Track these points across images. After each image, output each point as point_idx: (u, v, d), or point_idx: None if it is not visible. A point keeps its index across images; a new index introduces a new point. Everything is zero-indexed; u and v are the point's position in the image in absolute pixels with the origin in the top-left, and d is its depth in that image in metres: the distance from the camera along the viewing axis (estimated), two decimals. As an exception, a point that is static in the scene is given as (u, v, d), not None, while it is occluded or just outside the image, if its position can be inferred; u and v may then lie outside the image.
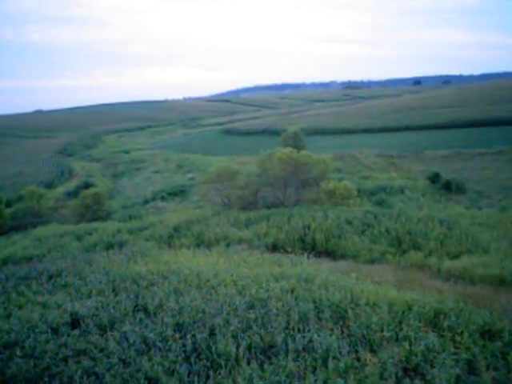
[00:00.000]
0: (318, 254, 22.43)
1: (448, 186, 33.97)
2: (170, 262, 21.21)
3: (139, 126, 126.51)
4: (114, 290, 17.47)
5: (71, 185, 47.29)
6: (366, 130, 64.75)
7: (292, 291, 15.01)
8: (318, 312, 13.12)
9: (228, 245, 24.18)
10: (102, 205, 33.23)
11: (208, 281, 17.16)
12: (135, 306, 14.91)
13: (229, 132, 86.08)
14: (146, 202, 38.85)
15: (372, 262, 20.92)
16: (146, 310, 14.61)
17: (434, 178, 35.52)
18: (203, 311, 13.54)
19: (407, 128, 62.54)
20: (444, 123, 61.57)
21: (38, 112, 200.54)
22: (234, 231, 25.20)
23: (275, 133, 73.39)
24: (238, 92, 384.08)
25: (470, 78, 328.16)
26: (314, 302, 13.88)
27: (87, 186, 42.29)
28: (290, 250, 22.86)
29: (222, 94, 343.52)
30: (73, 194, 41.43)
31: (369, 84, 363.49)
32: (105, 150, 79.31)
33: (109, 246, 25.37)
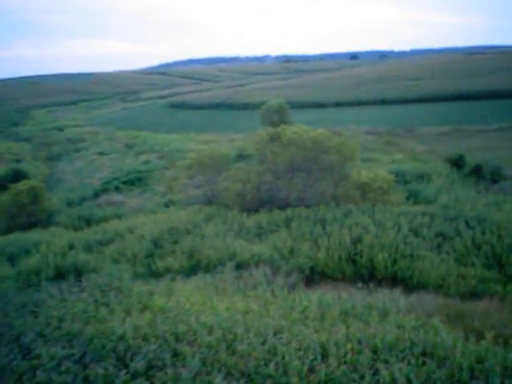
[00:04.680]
0: (378, 282, 15.35)
1: (478, 172, 27.59)
2: (167, 309, 13.51)
3: (71, 100, 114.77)
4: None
5: (-4, 173, 37.67)
6: (338, 104, 57.95)
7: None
8: None
9: (238, 268, 16.62)
10: (41, 203, 24.56)
11: (258, 364, 9.65)
12: None
13: (176, 106, 77.27)
14: (97, 194, 30.31)
15: (469, 295, 13.98)
16: None
17: (458, 162, 29.01)
18: None
19: (383, 102, 56.30)
20: (422, 97, 55.84)
21: None
22: (242, 245, 17.52)
23: (232, 107, 65.93)
24: (170, 65, 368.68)
25: (402, 53, 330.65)
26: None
27: (17, 174, 33.14)
28: (336, 276, 15.71)
29: (154, 68, 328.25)
30: (-2, 187, 32.21)
31: (305, 58, 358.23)
32: (34, 128, 68.55)
33: (59, 274, 17.14)
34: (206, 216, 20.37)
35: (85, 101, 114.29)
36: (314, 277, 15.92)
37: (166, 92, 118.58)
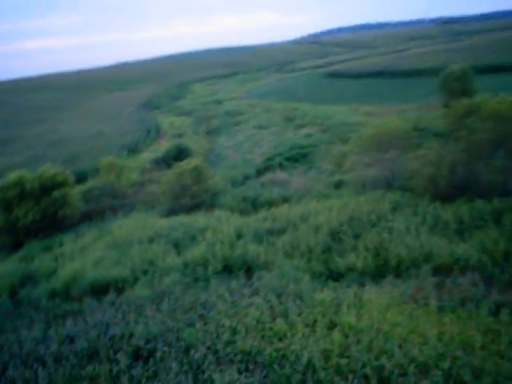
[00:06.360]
0: None
1: None
2: (359, 329, 10.97)
3: (227, 73, 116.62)
4: None
5: (160, 148, 37.75)
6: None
7: None
8: None
9: (436, 272, 13.54)
10: (204, 183, 23.30)
11: None
12: None
13: (333, 75, 73.87)
14: (259, 172, 28.56)
15: None
16: None
17: None
18: None
19: None
20: None
21: (123, 64, 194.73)
22: (440, 244, 14.38)
23: (395, 74, 60.92)
24: (321, 34, 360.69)
25: None
26: None
27: (180, 150, 32.68)
28: None
29: (305, 37, 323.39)
30: (162, 163, 31.95)
31: (466, 19, 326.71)
32: (194, 101, 69.65)
33: (227, 266, 15.45)
34: (391, 205, 17.37)
35: (239, 73, 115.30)
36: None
37: (320, 61, 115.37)
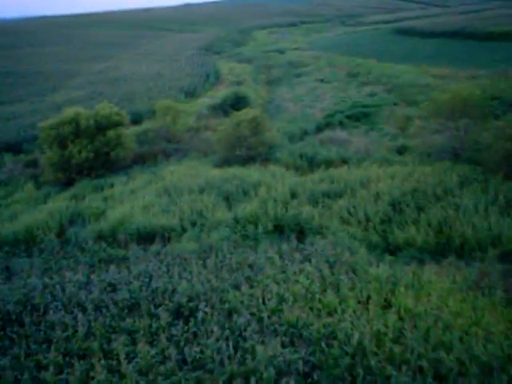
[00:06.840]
0: None
1: None
2: (416, 313, 10.19)
3: (291, 22, 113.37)
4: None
5: (217, 94, 36.96)
6: None
7: None
8: None
9: (504, 258, 12.47)
10: (262, 136, 22.43)
11: None
12: None
13: (403, 32, 70.38)
14: (319, 128, 27.41)
15: None
16: None
17: None
18: None
19: None
20: None
21: (186, 6, 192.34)
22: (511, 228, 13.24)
23: (472, 36, 57.25)
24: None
25: None
26: None
27: (238, 98, 31.78)
28: None
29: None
30: (219, 110, 31.18)
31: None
32: (256, 49, 68.05)
33: (278, 226, 14.79)
34: (459, 179, 16.11)
35: (305, 23, 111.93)
36: None
37: (390, 16, 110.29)
